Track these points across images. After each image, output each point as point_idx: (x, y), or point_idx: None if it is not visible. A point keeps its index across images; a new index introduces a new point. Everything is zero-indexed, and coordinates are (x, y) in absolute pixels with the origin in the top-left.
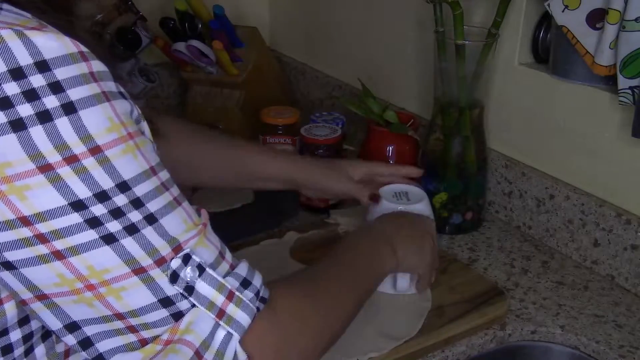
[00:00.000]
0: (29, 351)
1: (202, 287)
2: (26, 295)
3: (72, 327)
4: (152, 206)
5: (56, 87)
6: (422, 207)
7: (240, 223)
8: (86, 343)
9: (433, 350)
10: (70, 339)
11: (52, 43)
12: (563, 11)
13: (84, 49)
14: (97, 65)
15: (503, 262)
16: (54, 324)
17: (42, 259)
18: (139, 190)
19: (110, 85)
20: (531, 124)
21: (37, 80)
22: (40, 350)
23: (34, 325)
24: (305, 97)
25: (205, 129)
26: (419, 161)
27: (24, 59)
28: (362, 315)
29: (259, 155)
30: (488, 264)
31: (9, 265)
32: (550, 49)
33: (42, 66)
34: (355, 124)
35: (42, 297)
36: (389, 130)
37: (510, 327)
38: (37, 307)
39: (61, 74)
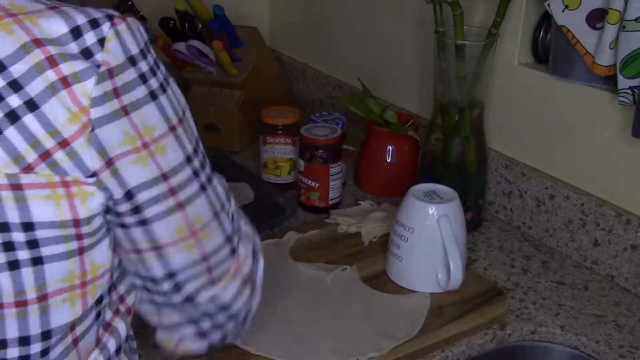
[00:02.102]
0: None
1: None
2: (142, 246)
3: (171, 275)
4: (149, 212)
5: (158, 67)
6: (454, 205)
7: None
8: (179, 287)
9: (433, 350)
10: (167, 285)
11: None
12: (563, 11)
13: None
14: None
15: (503, 262)
16: (157, 271)
17: (169, 212)
18: (142, 197)
19: (136, 93)
20: (531, 124)
21: (150, 60)
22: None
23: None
24: (305, 97)
25: None
26: (419, 161)
27: (136, 46)
28: (362, 315)
29: None
30: (488, 264)
31: (144, 222)
32: (550, 49)
33: (148, 48)
34: (355, 124)
35: (157, 247)
36: (389, 130)
37: (510, 327)
38: (148, 256)
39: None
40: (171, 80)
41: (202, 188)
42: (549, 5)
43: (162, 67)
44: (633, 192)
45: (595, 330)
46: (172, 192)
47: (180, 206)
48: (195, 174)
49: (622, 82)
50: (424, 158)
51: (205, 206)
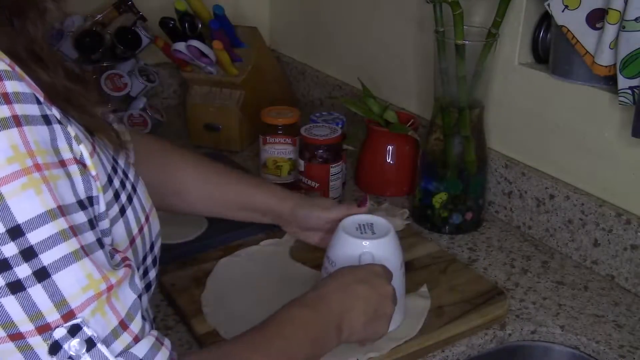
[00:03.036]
0: None
1: None
2: None
3: None
4: (48, 257)
5: None
6: (388, 241)
7: (241, 223)
8: None
9: (433, 350)
10: None
11: None
12: (563, 11)
13: (1, 67)
14: (14, 86)
15: (503, 262)
16: None
17: None
18: (35, 236)
19: (28, 109)
20: (531, 124)
21: None
22: None
23: None
24: (305, 97)
25: (192, 152)
26: (419, 161)
27: None
28: None
29: (254, 188)
30: (488, 264)
31: None
32: (550, 49)
33: None
34: (355, 124)
35: None
36: (389, 130)
37: (510, 327)
38: None
39: None
40: None
41: None
42: (549, 5)
43: None
44: (633, 192)
45: (595, 330)
46: None
47: None
48: None
49: (622, 82)
50: (424, 158)
51: None
